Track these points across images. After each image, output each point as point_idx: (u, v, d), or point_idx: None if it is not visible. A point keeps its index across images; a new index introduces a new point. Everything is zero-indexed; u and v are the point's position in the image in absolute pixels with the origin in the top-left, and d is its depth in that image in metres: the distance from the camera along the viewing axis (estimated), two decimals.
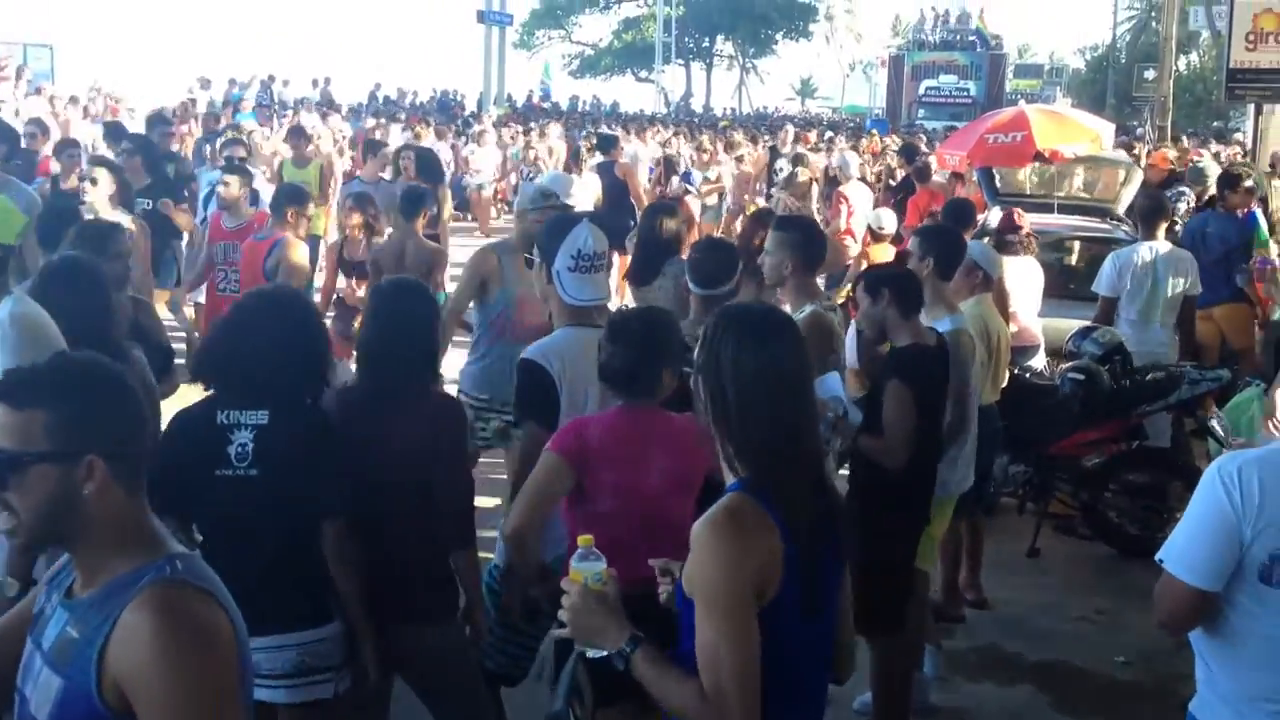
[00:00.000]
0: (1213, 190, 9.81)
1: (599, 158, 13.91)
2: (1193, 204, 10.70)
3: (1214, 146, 21.73)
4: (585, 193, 11.67)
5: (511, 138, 22.40)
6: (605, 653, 2.35)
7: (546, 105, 41.47)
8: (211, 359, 3.53)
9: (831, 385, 4.47)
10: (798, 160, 14.78)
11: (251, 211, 8.23)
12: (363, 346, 3.80)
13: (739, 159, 17.04)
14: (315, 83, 31.39)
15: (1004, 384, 6.16)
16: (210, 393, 3.50)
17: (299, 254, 7.26)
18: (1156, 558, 2.72)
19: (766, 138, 22.39)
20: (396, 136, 19.10)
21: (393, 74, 41.46)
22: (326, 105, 27.84)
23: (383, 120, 23.32)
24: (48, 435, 1.97)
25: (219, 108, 23.09)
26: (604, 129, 22.37)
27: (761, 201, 14.65)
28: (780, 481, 2.31)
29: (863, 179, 14.27)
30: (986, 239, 7.52)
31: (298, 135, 13.13)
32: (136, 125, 15.05)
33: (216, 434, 3.37)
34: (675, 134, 23.65)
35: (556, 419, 3.77)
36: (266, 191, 9.93)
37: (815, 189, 13.25)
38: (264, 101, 26.94)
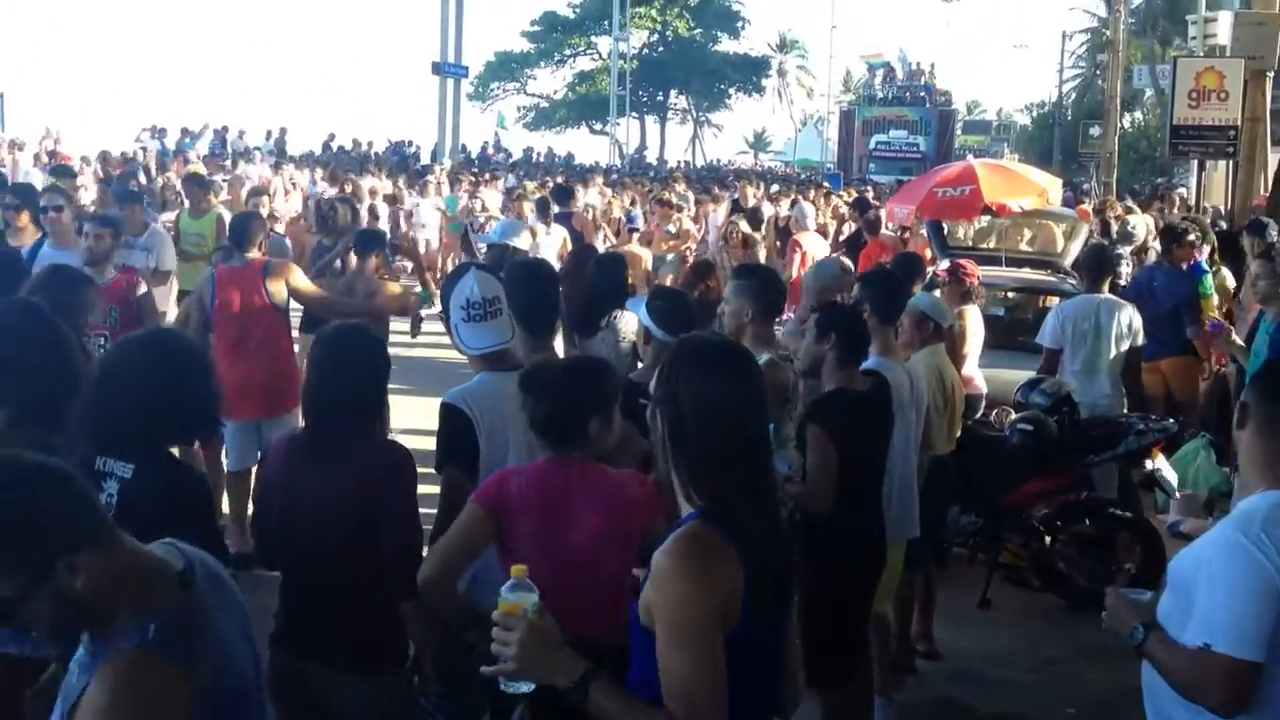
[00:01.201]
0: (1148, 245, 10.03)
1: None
2: (1131, 266, 10.89)
3: (1157, 205, 22.14)
4: (551, 245, 11.71)
5: (465, 190, 22.37)
6: (529, 688, 2.27)
7: (500, 156, 41.57)
8: (83, 407, 3.32)
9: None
10: (754, 214, 14.91)
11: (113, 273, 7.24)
12: (306, 395, 3.76)
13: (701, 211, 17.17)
14: (269, 133, 31.32)
15: (959, 434, 6.21)
16: None
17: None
18: (1199, 643, 2.65)
19: (720, 191, 22.47)
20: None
21: (348, 124, 41.46)
22: (279, 155, 27.77)
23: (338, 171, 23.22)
24: (8, 576, 1.96)
25: (170, 156, 22.97)
26: (558, 180, 22.37)
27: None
28: (738, 511, 2.30)
29: (819, 230, 14.40)
30: (937, 291, 7.60)
31: (194, 184, 12.10)
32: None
33: (95, 480, 3.14)
34: (623, 188, 23.66)
35: (476, 464, 3.75)
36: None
37: (760, 241, 13.37)
38: (216, 151, 26.83)
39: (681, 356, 2.42)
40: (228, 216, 11.06)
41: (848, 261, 8.35)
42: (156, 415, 3.20)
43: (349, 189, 17.59)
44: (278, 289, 6.94)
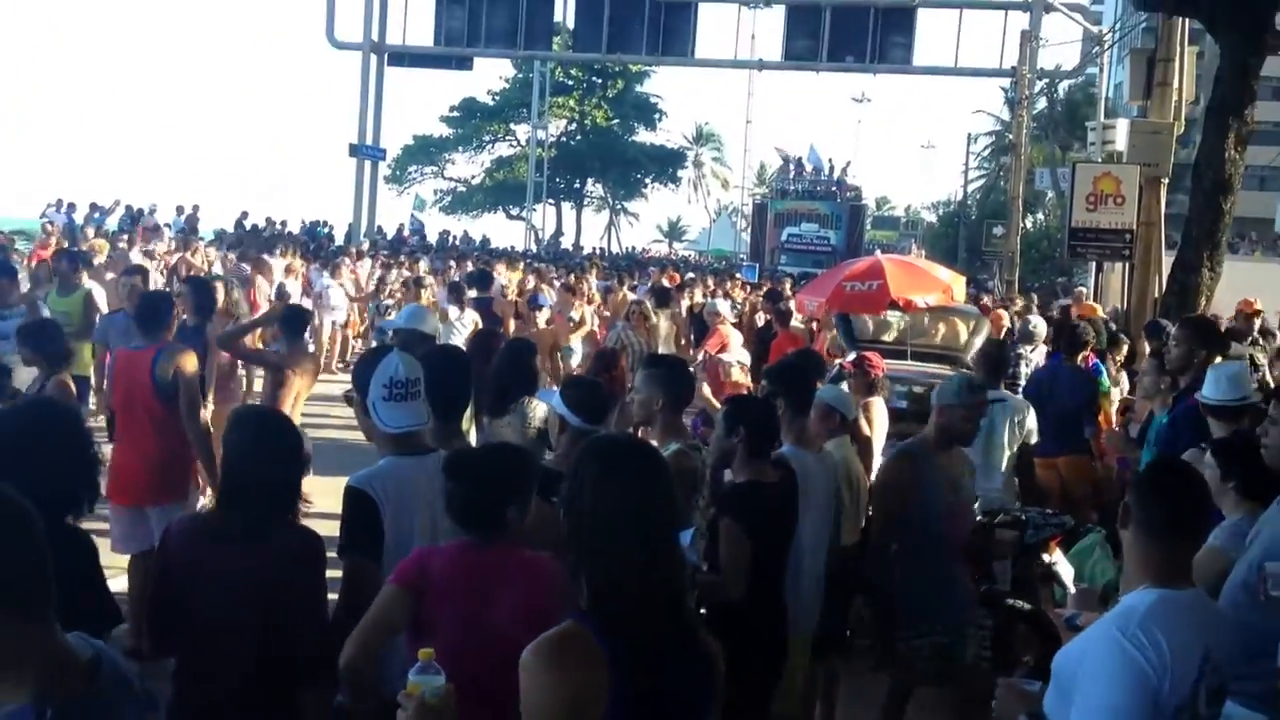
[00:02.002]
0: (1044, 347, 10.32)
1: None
2: (1030, 366, 11.15)
3: (1060, 300, 22.78)
4: (465, 330, 11.71)
5: (382, 266, 22.25)
6: None
7: (415, 239, 41.54)
8: None
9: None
10: (662, 294, 15.04)
11: None
12: (221, 477, 3.73)
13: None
14: (180, 209, 30.95)
15: (863, 525, 6.29)
16: None
17: None
18: None
19: (631, 279, 22.63)
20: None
21: (263, 203, 41.25)
22: (189, 232, 27.46)
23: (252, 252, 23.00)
24: None
25: (79, 231, 22.63)
26: (472, 264, 22.37)
27: None
28: (616, 612, 2.33)
29: (735, 323, 14.56)
30: (844, 383, 7.73)
31: (63, 259, 11.52)
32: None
33: None
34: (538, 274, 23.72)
35: (380, 549, 3.74)
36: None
37: (663, 325, 13.49)
38: (126, 227, 26.46)
39: (588, 455, 2.47)
40: (99, 294, 10.91)
41: None
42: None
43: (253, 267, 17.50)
44: (165, 373, 6.72)
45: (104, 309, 10.58)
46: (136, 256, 17.81)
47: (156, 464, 6.73)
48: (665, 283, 18.72)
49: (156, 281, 14.29)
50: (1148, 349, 9.91)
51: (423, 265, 21.91)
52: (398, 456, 3.95)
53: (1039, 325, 12.32)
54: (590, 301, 16.02)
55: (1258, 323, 13.09)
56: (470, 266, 20.90)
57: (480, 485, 3.39)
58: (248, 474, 3.59)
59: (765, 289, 21.06)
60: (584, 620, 2.33)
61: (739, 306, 18.29)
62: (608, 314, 16.45)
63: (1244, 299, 12.14)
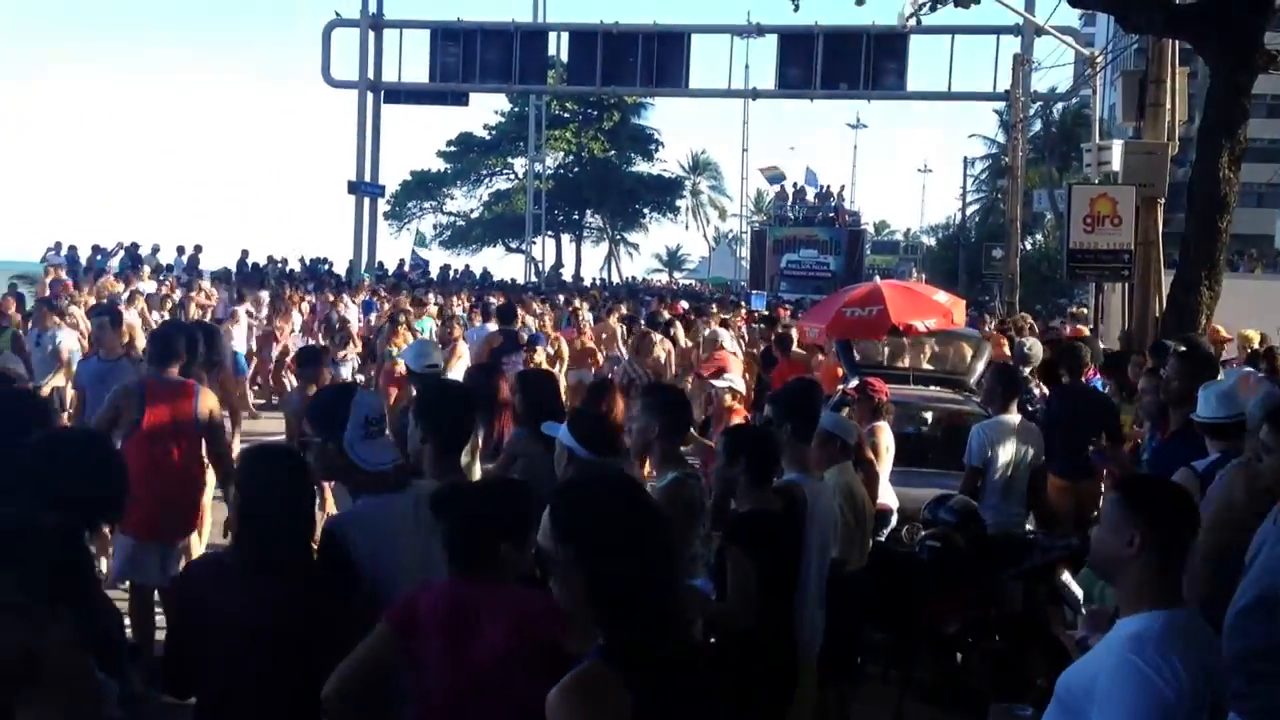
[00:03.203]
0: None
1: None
2: (1034, 390, 11.12)
3: (1058, 323, 22.83)
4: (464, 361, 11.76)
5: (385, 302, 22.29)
6: None
7: (416, 274, 41.64)
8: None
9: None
10: (667, 327, 15.09)
11: None
12: (237, 514, 3.75)
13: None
14: (181, 249, 31.06)
15: (869, 550, 6.30)
16: None
17: None
18: None
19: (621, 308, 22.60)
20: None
21: (264, 241, 41.41)
22: (191, 272, 27.56)
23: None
24: None
25: (84, 274, 22.72)
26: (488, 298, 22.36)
27: None
28: (636, 647, 2.34)
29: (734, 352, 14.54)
30: (845, 410, 7.75)
31: (41, 303, 11.73)
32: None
33: None
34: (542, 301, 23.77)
35: (347, 588, 3.73)
36: None
37: (670, 359, 13.48)
38: (128, 268, 26.56)
39: (582, 487, 2.49)
40: (67, 335, 11.06)
41: None
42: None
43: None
44: (204, 411, 6.82)
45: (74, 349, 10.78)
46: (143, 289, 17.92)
47: (178, 500, 6.77)
48: (665, 313, 18.76)
49: (136, 320, 14.24)
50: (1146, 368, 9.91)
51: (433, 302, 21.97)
52: (374, 495, 3.92)
53: (1035, 348, 12.32)
54: (581, 333, 16.07)
55: (1226, 351, 12.89)
56: (466, 300, 20.86)
57: (467, 521, 3.38)
58: (261, 510, 3.61)
59: (764, 316, 21.09)
60: (603, 657, 2.34)
61: (742, 335, 18.28)
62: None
63: (1212, 327, 12.13)
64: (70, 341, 11.12)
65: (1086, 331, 14.76)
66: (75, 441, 3.72)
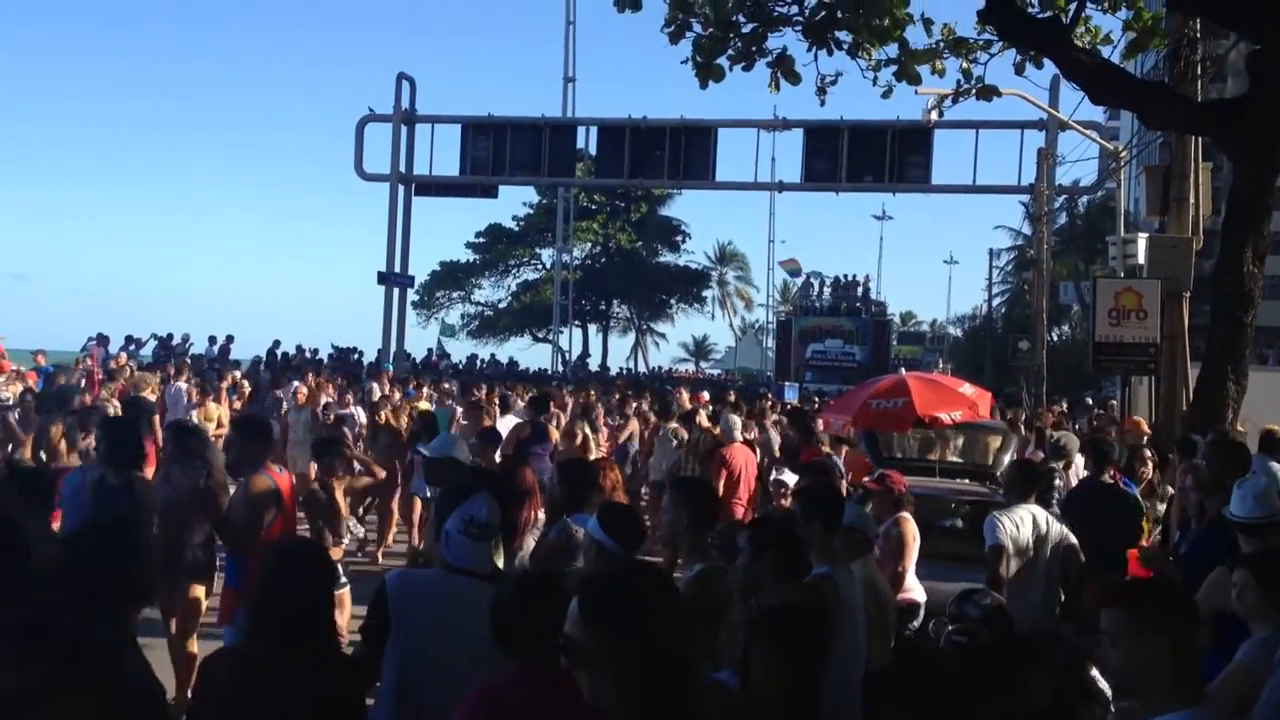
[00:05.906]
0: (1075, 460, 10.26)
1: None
2: (1062, 481, 11.05)
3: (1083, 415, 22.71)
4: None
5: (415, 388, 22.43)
6: None
7: (444, 364, 41.95)
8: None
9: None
10: (689, 419, 15.11)
11: None
12: (253, 607, 3.80)
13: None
14: (213, 339, 31.43)
15: (891, 645, 6.26)
16: None
17: None
18: None
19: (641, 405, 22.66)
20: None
21: (293, 330, 41.87)
22: (222, 362, 27.85)
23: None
24: None
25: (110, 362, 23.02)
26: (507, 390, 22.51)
27: None
28: None
29: (747, 442, 14.49)
30: (868, 505, 7.74)
31: None
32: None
33: None
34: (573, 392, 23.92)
35: (383, 643, 3.84)
36: None
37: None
38: (159, 358, 26.89)
39: (604, 590, 2.53)
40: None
41: None
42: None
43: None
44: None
45: None
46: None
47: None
48: (688, 404, 18.86)
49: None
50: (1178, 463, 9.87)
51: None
52: (446, 572, 4.07)
53: (1069, 441, 12.24)
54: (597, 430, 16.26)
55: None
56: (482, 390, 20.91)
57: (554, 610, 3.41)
58: (279, 604, 3.65)
59: (789, 409, 21.07)
60: None
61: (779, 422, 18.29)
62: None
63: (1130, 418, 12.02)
64: None
65: (1145, 425, 14.51)
66: (106, 534, 3.78)
